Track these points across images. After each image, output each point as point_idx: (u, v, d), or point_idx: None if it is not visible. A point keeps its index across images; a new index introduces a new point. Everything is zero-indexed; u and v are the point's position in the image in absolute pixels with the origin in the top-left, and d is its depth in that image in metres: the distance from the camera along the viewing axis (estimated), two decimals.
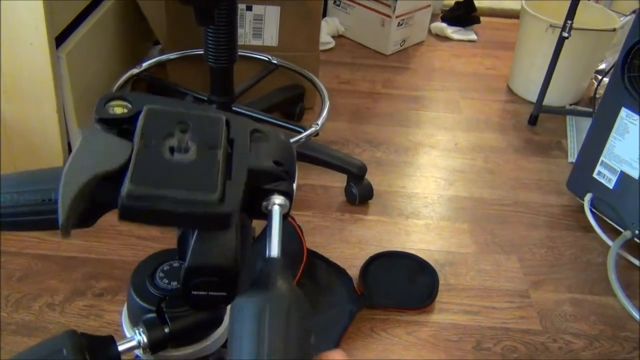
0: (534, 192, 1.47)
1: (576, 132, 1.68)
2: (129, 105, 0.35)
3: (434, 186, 1.46)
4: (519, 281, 1.22)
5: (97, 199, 0.32)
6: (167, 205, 0.30)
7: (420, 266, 1.21)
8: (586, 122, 1.70)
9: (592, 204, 1.34)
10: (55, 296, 1.09)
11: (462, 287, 1.19)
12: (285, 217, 0.35)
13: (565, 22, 1.51)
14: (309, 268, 1.15)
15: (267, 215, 0.35)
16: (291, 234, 1.17)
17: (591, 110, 1.65)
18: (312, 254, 1.19)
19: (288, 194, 0.35)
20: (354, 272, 1.18)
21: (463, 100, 1.84)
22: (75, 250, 1.19)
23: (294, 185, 0.37)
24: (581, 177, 1.36)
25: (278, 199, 0.34)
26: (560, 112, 1.78)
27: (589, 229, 1.34)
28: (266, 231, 0.34)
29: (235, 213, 0.31)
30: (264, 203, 0.35)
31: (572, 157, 1.59)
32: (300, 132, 1.25)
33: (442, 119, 1.74)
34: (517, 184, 1.49)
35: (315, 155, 1.34)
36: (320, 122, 1.27)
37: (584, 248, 1.31)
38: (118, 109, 0.35)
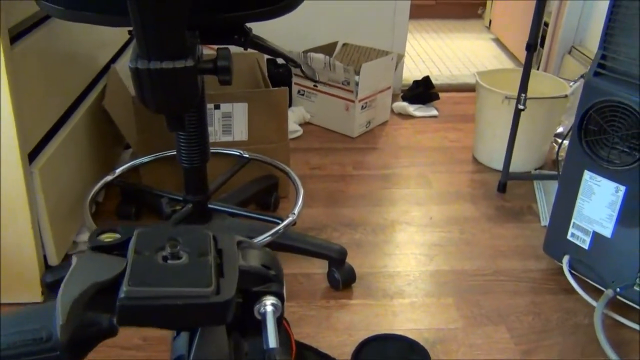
0: (512, 259, 1.49)
1: (545, 195, 1.73)
2: (119, 235, 0.36)
3: (415, 263, 1.47)
4: (510, 352, 1.21)
5: (92, 320, 0.33)
6: (166, 301, 0.31)
7: (411, 347, 1.19)
8: (553, 185, 1.76)
9: (571, 266, 1.36)
10: None
11: None
12: (279, 321, 0.36)
13: (520, 95, 1.59)
14: None
15: (260, 322, 0.36)
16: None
17: (556, 173, 1.71)
18: (301, 346, 1.17)
19: (280, 295, 0.36)
20: None
21: (432, 174, 1.89)
22: None
23: (284, 290, 0.38)
24: (556, 240, 1.39)
25: (270, 300, 0.36)
26: (526, 177, 1.84)
27: (571, 290, 1.35)
28: (262, 331, 0.35)
29: (232, 302, 0.33)
30: (257, 306, 0.36)
31: (545, 221, 1.62)
32: (277, 223, 1.26)
33: (414, 194, 1.78)
34: (495, 253, 1.51)
35: (294, 245, 1.34)
36: (296, 211, 1.29)
37: (569, 311, 1.32)
38: (108, 237, 0.36)
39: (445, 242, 1.55)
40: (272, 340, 0.34)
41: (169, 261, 0.34)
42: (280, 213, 1.63)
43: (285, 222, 1.24)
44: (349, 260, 1.38)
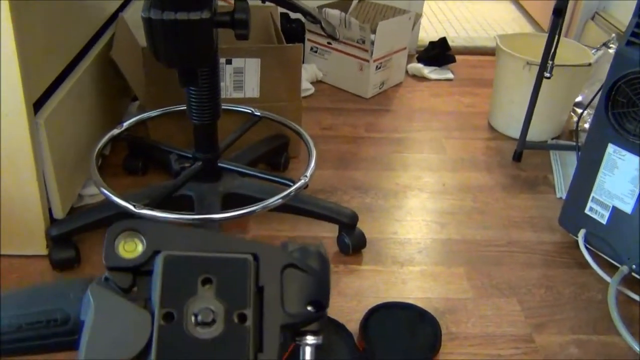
0: (526, 230, 1.46)
1: (561, 167, 1.69)
2: (142, 242, 0.32)
3: (426, 230, 1.44)
4: (521, 325, 1.19)
5: None
6: None
7: (420, 316, 1.18)
8: (570, 156, 1.71)
9: (586, 240, 1.33)
10: None
11: (464, 336, 1.16)
12: (317, 348, 0.33)
13: (546, 62, 1.52)
14: None
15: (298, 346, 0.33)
16: None
17: (574, 144, 1.66)
18: None
19: (320, 331, 0.33)
20: (353, 326, 1.14)
21: (446, 140, 1.85)
22: None
23: (326, 312, 0.34)
24: (573, 214, 1.36)
25: (310, 340, 0.32)
26: (543, 147, 1.79)
27: (585, 265, 1.33)
28: None
29: None
30: (296, 339, 0.32)
31: (560, 192, 1.59)
32: (289, 185, 1.22)
33: (427, 160, 1.74)
34: (508, 223, 1.48)
35: (305, 208, 1.31)
36: (308, 174, 1.25)
37: (582, 285, 1.30)
38: (129, 246, 0.32)
39: (457, 210, 1.52)
40: None
41: (200, 330, 0.29)
42: (290, 174, 1.59)
43: (296, 185, 1.21)
44: (359, 224, 1.35)
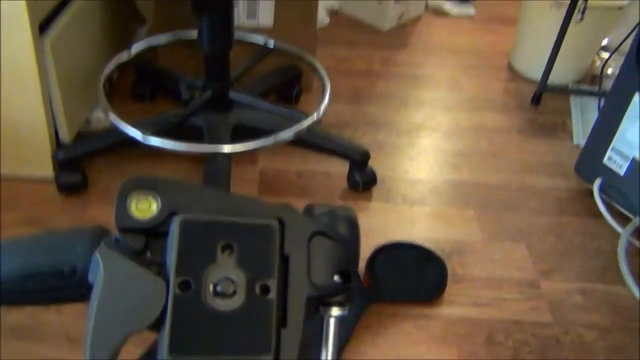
0: (540, 176, 1.43)
1: (581, 113, 1.64)
2: (156, 201, 0.29)
3: (438, 170, 1.42)
4: (528, 270, 1.19)
5: None
6: None
7: (427, 257, 1.17)
8: (590, 102, 1.66)
9: (601, 190, 1.31)
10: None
11: (470, 278, 1.16)
12: (341, 318, 0.30)
13: (576, 2, 1.45)
14: None
15: (321, 317, 0.30)
16: None
17: (596, 89, 1.61)
18: None
19: (347, 302, 0.30)
20: (359, 264, 1.14)
21: (464, 79, 1.79)
22: None
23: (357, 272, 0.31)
24: (590, 162, 1.33)
25: (335, 311, 0.30)
26: (564, 91, 1.73)
27: (597, 215, 1.31)
28: (321, 334, 0.29)
29: None
30: (320, 308, 0.30)
31: (578, 139, 1.55)
32: (301, 119, 1.19)
33: (443, 98, 1.69)
34: (522, 167, 1.45)
35: (317, 143, 1.28)
36: (322, 108, 1.22)
37: (592, 235, 1.28)
38: (142, 205, 0.28)
39: (471, 151, 1.49)
40: (330, 354, 0.29)
41: (219, 301, 0.26)
42: (302, 107, 1.55)
43: (309, 120, 1.17)
44: (370, 162, 1.32)
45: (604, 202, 1.30)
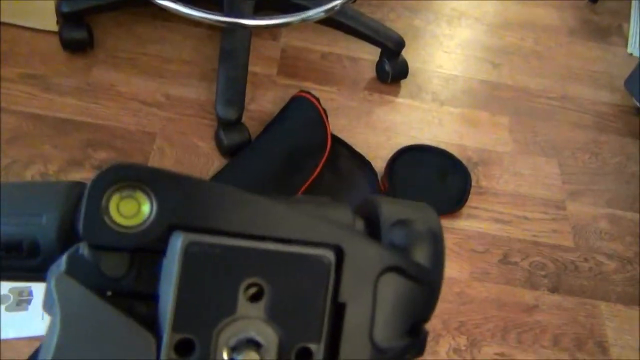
0: (584, 85, 1.31)
1: None
2: (149, 201, 0.19)
3: (475, 69, 1.29)
4: (556, 189, 1.12)
5: None
6: None
7: (452, 165, 1.09)
8: None
9: None
10: (49, 165, 0.98)
11: (494, 192, 1.09)
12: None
13: None
14: (331, 157, 1.04)
15: None
16: (314, 118, 1.04)
17: None
18: (335, 140, 1.07)
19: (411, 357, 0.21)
20: (379, 164, 1.07)
21: None
22: (70, 112, 1.05)
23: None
24: None
25: None
26: None
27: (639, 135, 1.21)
28: None
29: None
30: None
31: (633, 47, 1.40)
32: None
33: None
34: (567, 74, 1.32)
35: (348, 24, 1.15)
36: None
37: (630, 157, 1.19)
38: (127, 207, 0.19)
39: (515, 50, 1.35)
40: None
41: None
42: None
43: None
44: (402, 51, 1.20)
45: None
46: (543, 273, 1.00)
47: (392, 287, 0.20)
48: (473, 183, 1.07)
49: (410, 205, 0.23)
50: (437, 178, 1.07)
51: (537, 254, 1.02)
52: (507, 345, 0.91)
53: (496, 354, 0.90)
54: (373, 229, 0.23)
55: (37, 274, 0.21)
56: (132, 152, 1.02)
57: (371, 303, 0.20)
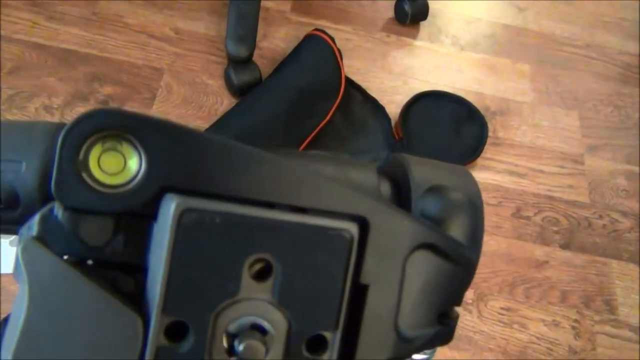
0: (612, 34, 1.25)
1: None
2: (137, 154, 0.16)
3: (500, 12, 1.23)
4: (575, 143, 1.08)
5: None
6: None
7: (469, 113, 1.05)
8: None
9: None
10: (53, 98, 0.96)
11: (511, 143, 1.05)
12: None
13: None
14: (343, 100, 1.00)
15: None
16: (328, 59, 0.99)
17: None
18: (348, 82, 1.03)
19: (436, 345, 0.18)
20: (392, 109, 1.03)
21: None
22: (75, 43, 1.01)
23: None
24: None
25: (417, 357, 0.18)
26: None
27: None
28: None
29: None
30: None
31: None
32: None
33: None
34: (595, 21, 1.26)
35: None
36: None
37: None
38: (110, 162, 0.15)
39: None
40: None
41: None
42: None
43: None
44: None
45: None
46: (555, 229, 0.98)
47: (423, 268, 0.17)
48: (490, 133, 1.04)
49: (447, 169, 0.20)
50: (453, 126, 1.04)
51: (551, 209, 1.00)
52: (514, 300, 0.90)
53: (502, 308, 0.89)
54: (401, 195, 0.20)
55: (18, 227, 0.19)
56: (139, 88, 0.99)
57: (398, 285, 0.17)
